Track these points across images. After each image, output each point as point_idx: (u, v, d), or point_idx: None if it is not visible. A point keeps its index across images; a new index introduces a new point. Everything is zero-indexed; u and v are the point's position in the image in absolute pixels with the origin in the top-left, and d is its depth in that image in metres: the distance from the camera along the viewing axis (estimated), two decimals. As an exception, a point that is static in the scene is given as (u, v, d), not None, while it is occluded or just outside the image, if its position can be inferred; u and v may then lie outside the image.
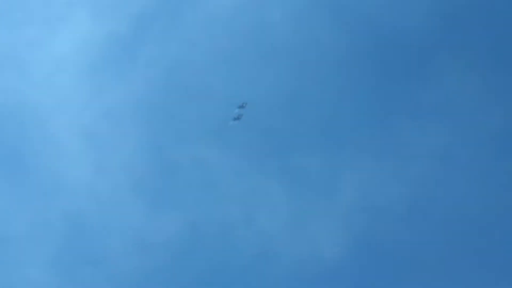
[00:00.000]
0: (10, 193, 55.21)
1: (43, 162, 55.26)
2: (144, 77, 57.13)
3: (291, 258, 53.83)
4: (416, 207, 53.03)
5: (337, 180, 54.64)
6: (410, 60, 54.43)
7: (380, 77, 54.71)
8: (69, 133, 56.25)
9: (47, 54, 58.38)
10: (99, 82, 57.63)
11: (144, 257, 54.48)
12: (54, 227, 54.12)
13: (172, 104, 56.18)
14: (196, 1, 58.10)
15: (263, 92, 55.49)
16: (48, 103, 56.87)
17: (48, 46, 58.47)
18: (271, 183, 55.40)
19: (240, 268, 53.96)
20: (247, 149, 55.77)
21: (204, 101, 56.05)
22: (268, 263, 53.93)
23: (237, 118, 48.85)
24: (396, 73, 54.47)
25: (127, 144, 55.90)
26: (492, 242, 51.64)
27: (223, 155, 55.85)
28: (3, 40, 58.06)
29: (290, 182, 55.21)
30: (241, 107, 48.75)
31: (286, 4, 57.19)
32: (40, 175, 55.06)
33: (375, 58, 55.24)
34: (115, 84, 57.41)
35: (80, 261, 53.89)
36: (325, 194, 54.80)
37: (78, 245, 54.09)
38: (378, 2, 55.52)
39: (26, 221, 54.35)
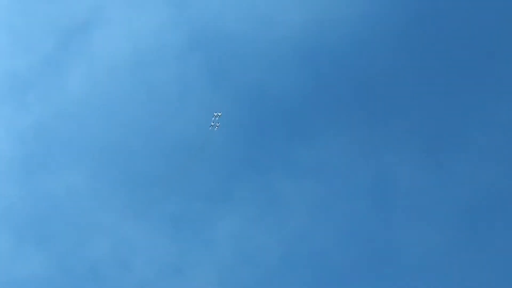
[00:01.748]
0: None
1: None
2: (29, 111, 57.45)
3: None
4: (288, 258, 54.46)
5: (216, 230, 55.53)
6: (289, 125, 57.92)
7: (262, 137, 57.67)
8: None
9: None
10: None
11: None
12: None
13: (52, 136, 56.50)
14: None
15: (141, 142, 57.09)
16: None
17: None
18: (152, 228, 55.41)
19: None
20: (128, 193, 56.05)
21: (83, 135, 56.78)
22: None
23: (214, 125, 53.21)
24: (276, 135, 57.62)
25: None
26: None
27: (104, 198, 55.71)
28: None
29: (171, 229, 55.51)
30: (216, 117, 52.94)
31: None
32: None
33: (257, 123, 58.36)
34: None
35: None
36: (203, 243, 55.36)
37: None
38: (263, 69, 59.43)
39: None
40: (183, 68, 60.50)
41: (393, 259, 53.66)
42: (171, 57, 60.94)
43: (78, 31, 60.08)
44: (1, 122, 56.50)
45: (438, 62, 57.92)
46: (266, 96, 59.40)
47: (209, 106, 56.69)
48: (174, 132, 57.58)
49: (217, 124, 53.24)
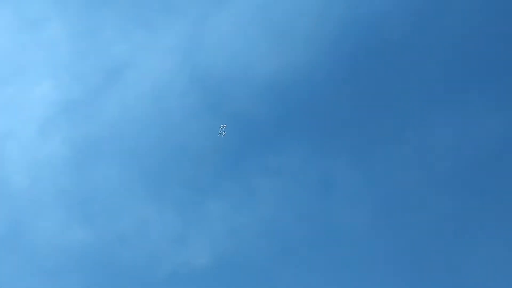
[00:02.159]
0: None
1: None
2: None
3: (171, 264, 75.15)
4: (261, 233, 77.08)
5: (209, 212, 78.31)
6: (263, 138, 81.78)
7: (243, 147, 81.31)
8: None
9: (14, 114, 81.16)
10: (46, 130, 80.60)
11: (61, 257, 73.93)
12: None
13: (95, 143, 79.89)
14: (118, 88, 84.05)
15: (157, 149, 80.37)
16: None
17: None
18: (164, 209, 78.01)
19: (131, 270, 74.33)
20: (148, 184, 78.79)
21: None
22: (154, 267, 74.87)
23: (221, 133, 77.27)
24: (253, 145, 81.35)
25: (56, 161, 78.01)
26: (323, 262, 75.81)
27: (130, 186, 78.42)
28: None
29: (178, 210, 78.16)
30: (223, 127, 77.05)
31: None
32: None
33: (239, 137, 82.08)
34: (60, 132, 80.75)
35: (12, 258, 72.42)
36: (200, 221, 77.98)
37: (14, 243, 73.02)
38: (245, 101, 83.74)
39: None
40: (187, 100, 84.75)
41: (333, 234, 76.67)
42: (178, 92, 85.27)
43: (115, 71, 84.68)
44: (59, 132, 79.86)
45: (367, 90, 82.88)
46: (246, 119, 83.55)
47: (208, 126, 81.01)
48: (182, 143, 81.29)
49: (224, 132, 77.61)
